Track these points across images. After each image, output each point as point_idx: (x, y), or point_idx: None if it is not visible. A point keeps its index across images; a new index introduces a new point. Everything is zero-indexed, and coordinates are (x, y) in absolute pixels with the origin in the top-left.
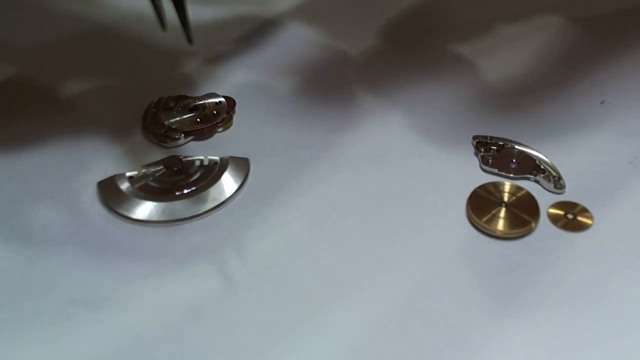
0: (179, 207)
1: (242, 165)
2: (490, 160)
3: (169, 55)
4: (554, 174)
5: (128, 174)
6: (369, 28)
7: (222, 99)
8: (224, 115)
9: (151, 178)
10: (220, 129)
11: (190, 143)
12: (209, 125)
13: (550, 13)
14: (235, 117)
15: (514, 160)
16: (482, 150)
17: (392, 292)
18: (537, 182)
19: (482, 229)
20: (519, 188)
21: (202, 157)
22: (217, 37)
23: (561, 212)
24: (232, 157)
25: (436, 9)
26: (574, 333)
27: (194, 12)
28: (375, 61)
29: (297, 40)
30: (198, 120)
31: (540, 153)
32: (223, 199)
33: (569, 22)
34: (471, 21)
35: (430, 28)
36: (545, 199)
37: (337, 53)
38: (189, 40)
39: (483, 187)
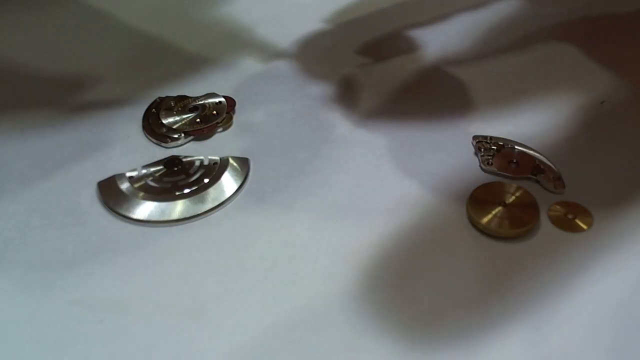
0: (179, 207)
1: (242, 165)
2: (490, 161)
3: (170, 55)
4: (554, 174)
5: (128, 173)
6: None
7: (222, 99)
8: (224, 115)
9: (151, 178)
10: (220, 129)
11: (191, 143)
12: (209, 125)
13: (548, 17)
14: (235, 117)
15: (514, 161)
16: (482, 150)
17: (392, 289)
18: (537, 182)
19: (483, 229)
20: (519, 188)
21: (202, 157)
22: (219, 38)
23: (561, 212)
24: (232, 157)
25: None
26: (574, 332)
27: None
28: (375, 63)
29: (297, 40)
30: (198, 120)
31: (540, 153)
32: (223, 199)
33: (568, 24)
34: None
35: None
36: (545, 199)
37: (337, 53)
38: None
39: (483, 187)
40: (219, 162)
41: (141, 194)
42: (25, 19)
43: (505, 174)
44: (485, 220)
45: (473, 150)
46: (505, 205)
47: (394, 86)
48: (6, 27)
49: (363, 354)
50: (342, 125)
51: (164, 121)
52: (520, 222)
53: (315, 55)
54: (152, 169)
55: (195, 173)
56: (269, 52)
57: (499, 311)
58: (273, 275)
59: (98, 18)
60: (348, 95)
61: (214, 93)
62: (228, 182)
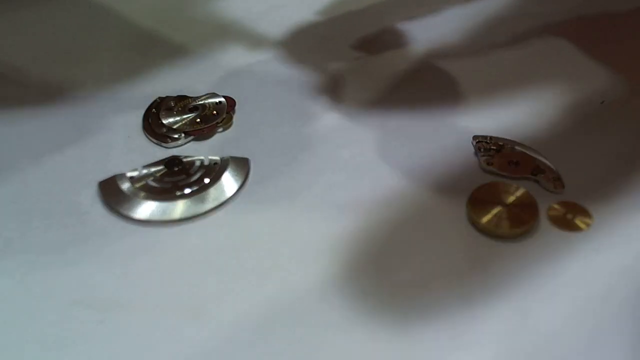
0: (180, 207)
1: (243, 165)
2: (490, 161)
3: (170, 54)
4: (553, 174)
5: (129, 173)
6: (367, 35)
7: (222, 99)
8: (224, 115)
9: (152, 178)
10: (221, 129)
11: (191, 143)
12: (209, 125)
13: (547, 13)
14: (235, 117)
15: (514, 161)
16: (482, 150)
17: (392, 289)
18: (536, 182)
19: (482, 229)
20: (519, 188)
21: (202, 157)
22: (219, 38)
23: (560, 212)
24: (232, 157)
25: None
26: (574, 333)
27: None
28: (375, 63)
29: (298, 40)
30: (198, 120)
31: (540, 153)
32: (223, 199)
33: (567, 21)
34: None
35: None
36: (544, 199)
37: (338, 52)
38: None
39: (483, 187)
40: (219, 162)
41: (142, 194)
42: (25, 18)
43: (505, 174)
44: (485, 220)
45: (473, 150)
46: (505, 205)
47: (394, 85)
48: (6, 27)
49: (362, 351)
50: (342, 125)
51: (164, 121)
52: (519, 222)
53: (316, 55)
54: (153, 169)
55: (195, 173)
56: (269, 52)
57: (499, 311)
58: (274, 275)
59: (98, 17)
60: (348, 95)
61: (214, 93)
62: (228, 182)
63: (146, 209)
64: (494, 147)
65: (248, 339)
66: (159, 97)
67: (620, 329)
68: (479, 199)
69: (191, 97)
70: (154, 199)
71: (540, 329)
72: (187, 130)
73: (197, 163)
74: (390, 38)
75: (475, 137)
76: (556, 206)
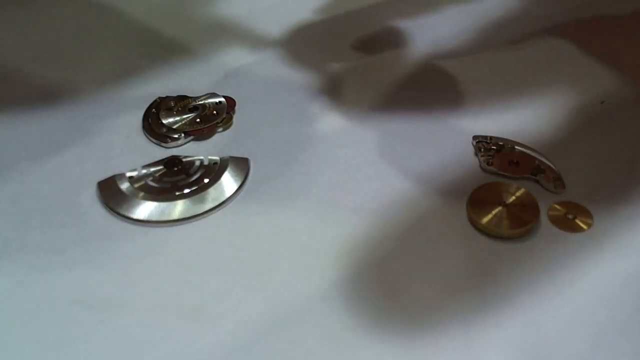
0: (179, 207)
1: (242, 165)
2: (490, 161)
3: (170, 54)
4: (554, 174)
5: (128, 173)
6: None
7: (222, 99)
8: (224, 115)
9: (151, 178)
10: (220, 129)
11: (191, 143)
12: (209, 125)
13: (547, 15)
14: (235, 117)
15: (514, 161)
16: (482, 150)
17: (392, 290)
18: (537, 182)
19: (482, 229)
20: (519, 188)
21: (202, 157)
22: (219, 38)
23: (561, 213)
24: (232, 157)
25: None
26: (574, 332)
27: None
28: (375, 64)
29: (298, 41)
30: (198, 120)
31: (540, 153)
32: (223, 199)
33: (567, 22)
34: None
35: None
36: (545, 199)
37: (338, 52)
38: None
39: (483, 187)
40: (219, 162)
41: (141, 194)
42: (24, 18)
43: (505, 174)
44: (485, 220)
45: (473, 150)
46: (505, 205)
47: (394, 85)
48: (5, 27)
49: (361, 352)
50: (342, 126)
51: (164, 121)
52: (520, 222)
53: (316, 55)
54: (152, 169)
55: (195, 173)
56: (270, 52)
57: (498, 311)
58: (273, 275)
59: (98, 17)
60: (349, 96)
61: (214, 93)
62: (228, 182)
63: (145, 209)
64: (494, 147)
65: (248, 340)
66: (159, 97)
67: (621, 329)
68: (479, 199)
69: (191, 97)
70: (153, 199)
71: (539, 328)
72: (186, 130)
73: (197, 163)
74: (390, 38)
75: (475, 137)
76: (557, 206)
